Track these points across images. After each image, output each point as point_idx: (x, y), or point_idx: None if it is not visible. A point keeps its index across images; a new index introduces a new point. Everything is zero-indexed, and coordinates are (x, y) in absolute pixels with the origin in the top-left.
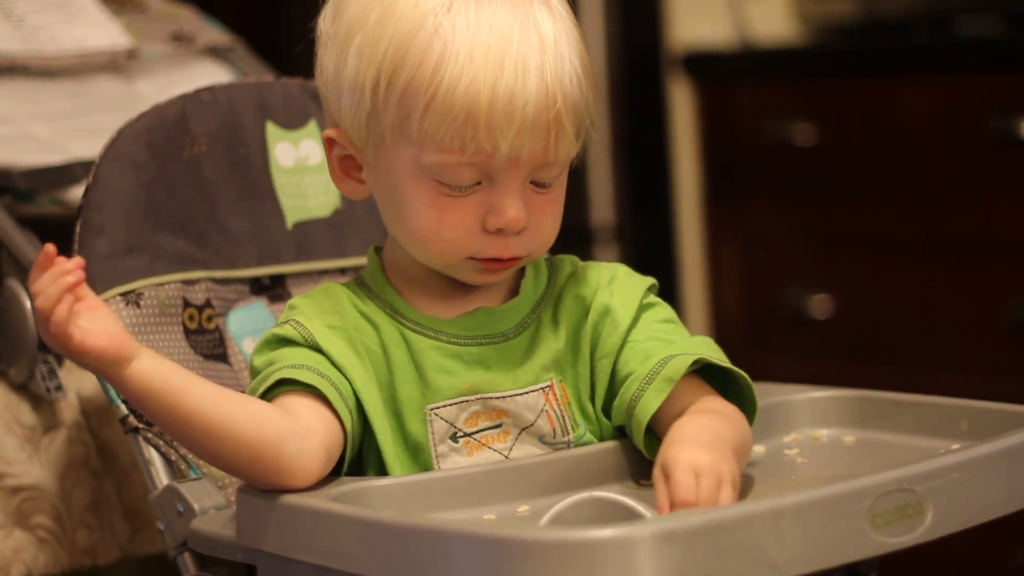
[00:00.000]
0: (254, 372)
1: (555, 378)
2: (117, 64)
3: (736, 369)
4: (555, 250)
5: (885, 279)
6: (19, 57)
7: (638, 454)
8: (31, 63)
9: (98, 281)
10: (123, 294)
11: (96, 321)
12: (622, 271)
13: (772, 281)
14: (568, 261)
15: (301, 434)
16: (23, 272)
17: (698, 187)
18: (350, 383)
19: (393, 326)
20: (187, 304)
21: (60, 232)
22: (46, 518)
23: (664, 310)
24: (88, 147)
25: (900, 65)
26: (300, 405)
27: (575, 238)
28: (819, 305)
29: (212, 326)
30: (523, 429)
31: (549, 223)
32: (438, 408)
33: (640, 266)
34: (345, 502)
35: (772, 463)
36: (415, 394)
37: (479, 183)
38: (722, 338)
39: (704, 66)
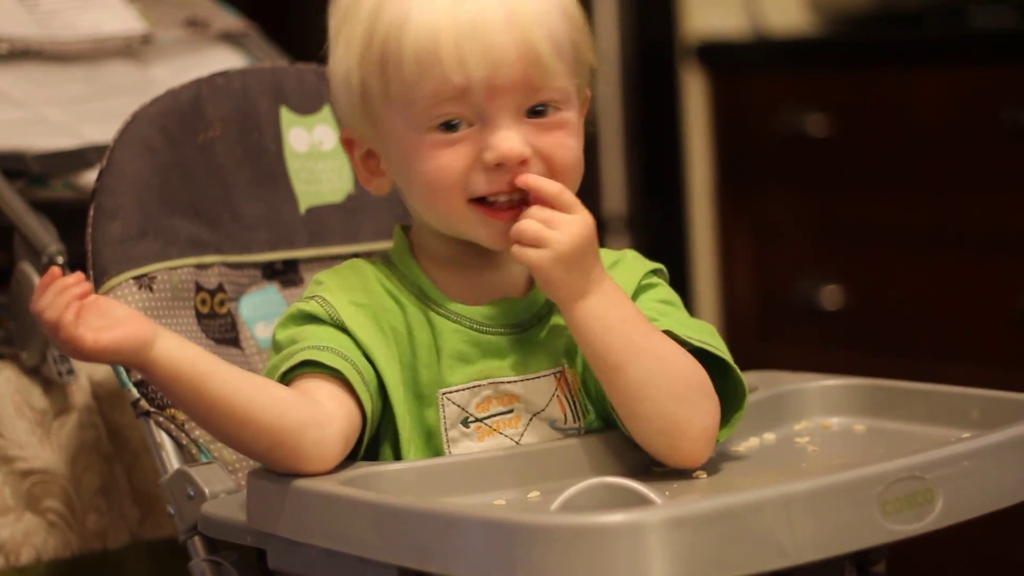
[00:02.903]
0: (276, 346)
1: (566, 364)
2: (131, 49)
3: (721, 354)
4: None
5: (896, 270)
6: (34, 42)
7: None
8: (46, 48)
9: (111, 265)
10: (136, 278)
11: (105, 316)
12: (630, 255)
13: (783, 272)
14: None
15: (321, 422)
16: (36, 256)
17: (710, 177)
18: (373, 365)
19: (419, 307)
20: (200, 288)
21: (73, 216)
22: (56, 502)
23: (664, 291)
24: (102, 131)
25: (913, 56)
26: (321, 390)
27: None
28: (830, 296)
29: (224, 310)
30: (534, 415)
31: (561, 153)
32: (450, 393)
33: (652, 256)
34: (356, 486)
35: (783, 450)
36: (435, 377)
37: (472, 125)
38: (733, 328)
39: (717, 56)
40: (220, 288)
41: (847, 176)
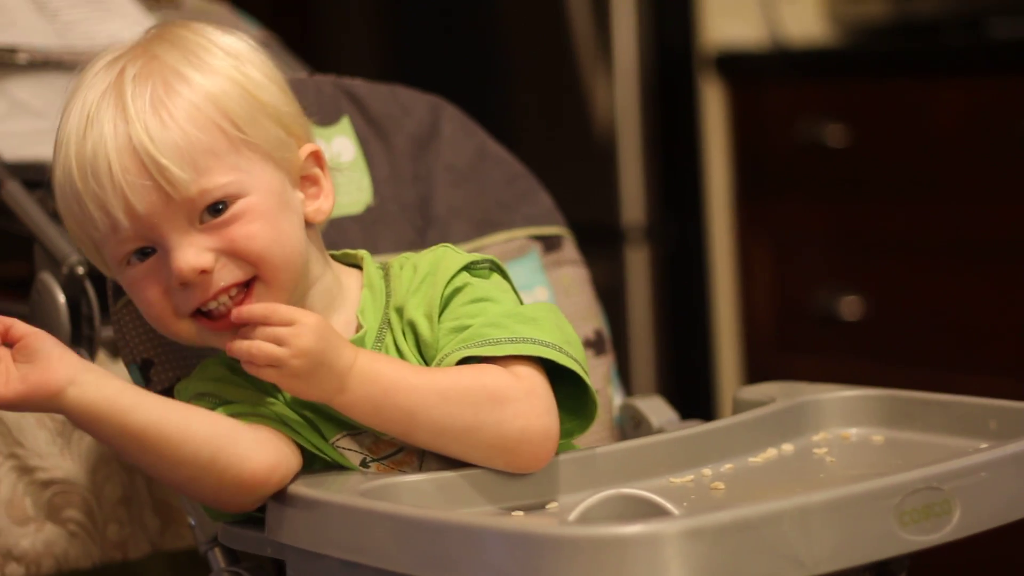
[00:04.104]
0: None
1: None
2: None
3: (538, 351)
4: (585, 250)
5: (916, 281)
6: (53, 52)
7: (671, 450)
8: (65, 58)
9: None
10: None
11: (28, 358)
12: (440, 258)
13: (802, 282)
14: (396, 264)
15: (253, 427)
16: (56, 266)
17: (729, 188)
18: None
19: (266, 384)
20: None
21: None
22: (77, 512)
23: (474, 289)
24: None
25: (932, 66)
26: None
27: (606, 238)
28: (849, 307)
29: None
30: (422, 452)
31: (246, 244)
32: (338, 441)
33: (670, 266)
34: (374, 498)
35: (801, 462)
36: (311, 435)
37: (153, 250)
38: (752, 339)
39: (736, 66)
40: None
41: (865, 186)
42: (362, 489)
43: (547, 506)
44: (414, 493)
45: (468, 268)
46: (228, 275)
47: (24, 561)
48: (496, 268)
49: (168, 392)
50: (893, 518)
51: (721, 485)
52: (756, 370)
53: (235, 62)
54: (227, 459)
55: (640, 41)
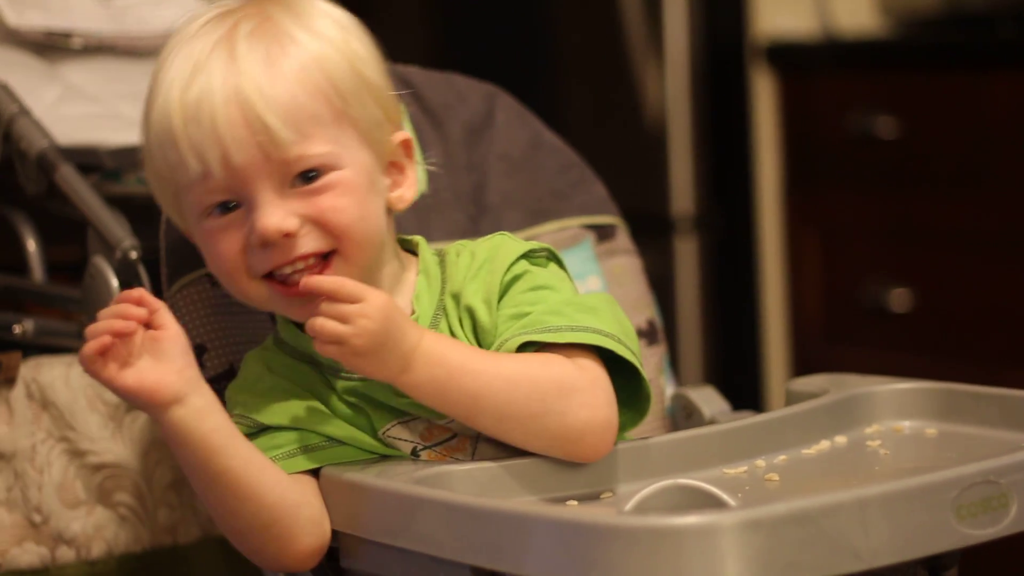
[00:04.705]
0: None
1: None
2: None
3: (596, 340)
4: (634, 240)
5: (965, 273)
6: (107, 37)
7: (724, 441)
8: (119, 43)
9: (185, 262)
10: (209, 275)
11: (154, 355)
12: (497, 247)
13: (851, 274)
14: (452, 251)
15: (312, 502)
16: (109, 250)
17: (779, 178)
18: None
19: (314, 373)
20: None
21: (146, 211)
22: (128, 496)
23: (533, 277)
24: None
25: (984, 59)
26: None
27: (655, 228)
28: (899, 299)
29: None
30: (476, 437)
31: (333, 216)
32: (389, 430)
33: (719, 256)
34: (428, 485)
35: (855, 454)
36: (362, 423)
37: (242, 205)
38: (800, 330)
39: (787, 57)
40: None
41: (916, 178)
42: (416, 477)
43: (601, 496)
44: (467, 481)
45: (527, 256)
46: (310, 243)
47: (75, 544)
48: (553, 257)
49: (219, 377)
50: (951, 511)
51: (775, 476)
52: (804, 361)
53: (344, 35)
54: (280, 531)
55: (691, 31)
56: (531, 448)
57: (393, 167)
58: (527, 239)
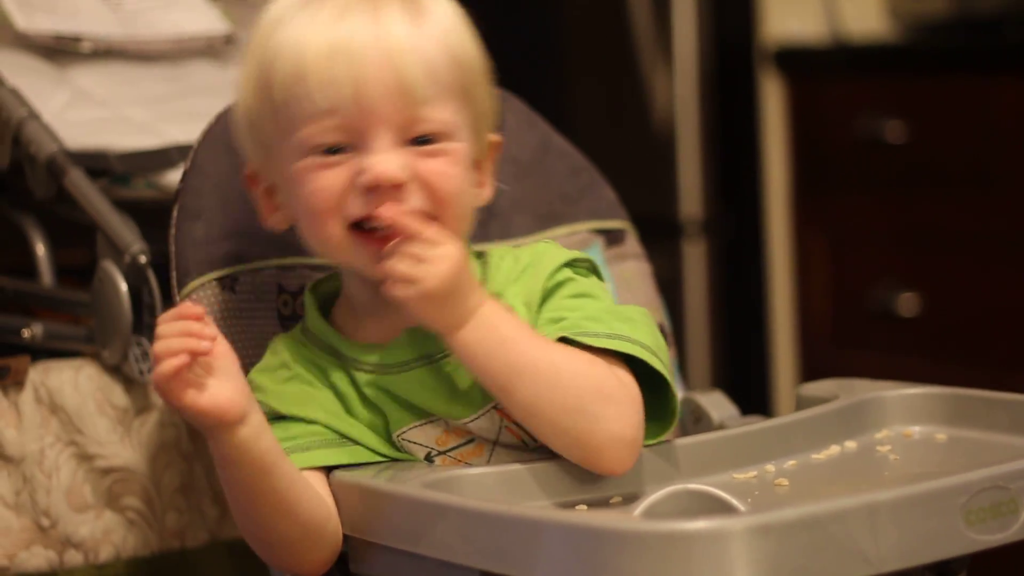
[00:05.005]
0: None
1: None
2: (214, 49)
3: (629, 349)
4: (642, 243)
5: (974, 278)
6: (116, 41)
7: (733, 446)
8: (128, 47)
9: (194, 266)
10: (219, 279)
11: (213, 373)
12: (542, 252)
13: (859, 278)
14: (496, 254)
15: (334, 515)
16: (118, 255)
17: (787, 182)
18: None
19: (337, 366)
20: (282, 290)
21: (155, 216)
22: (136, 500)
23: (576, 285)
24: (184, 131)
25: (993, 63)
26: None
27: (664, 231)
28: (907, 303)
29: None
30: (494, 443)
31: (440, 181)
32: (404, 433)
33: (728, 260)
34: (438, 490)
35: (864, 459)
36: (378, 424)
37: (351, 148)
38: (808, 334)
39: (795, 61)
40: (303, 290)
41: (924, 182)
42: (426, 481)
43: (611, 501)
44: (477, 486)
45: (570, 264)
46: (413, 200)
47: (83, 548)
48: (593, 269)
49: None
50: (960, 517)
51: (785, 482)
52: (812, 365)
53: (465, 23)
54: (308, 544)
55: (700, 35)
56: (549, 442)
57: (477, 165)
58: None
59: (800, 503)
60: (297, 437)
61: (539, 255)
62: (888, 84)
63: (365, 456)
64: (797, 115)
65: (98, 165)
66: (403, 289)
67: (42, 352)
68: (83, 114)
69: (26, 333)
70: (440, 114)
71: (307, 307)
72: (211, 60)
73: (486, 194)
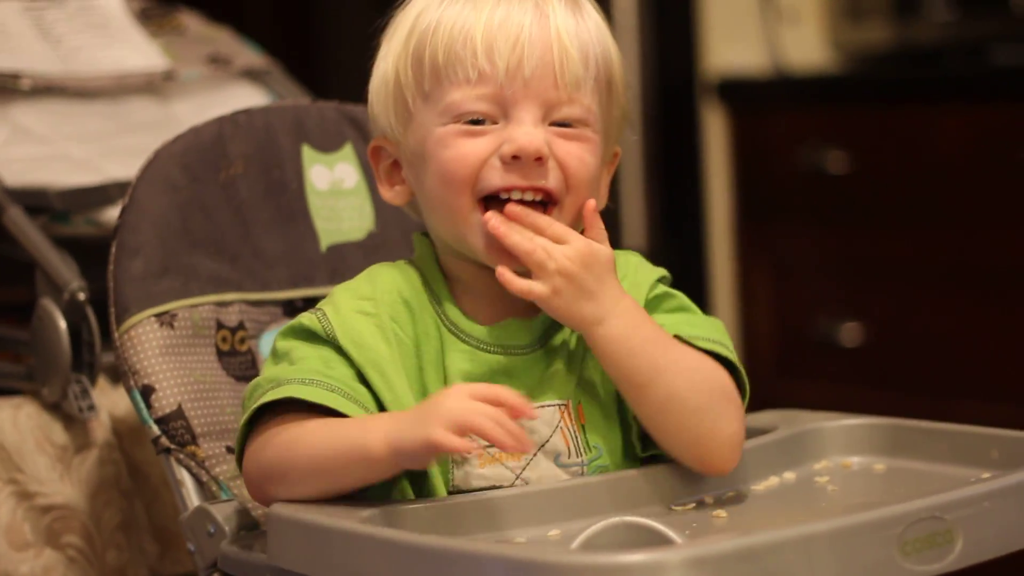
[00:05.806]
0: (274, 352)
1: (572, 399)
2: (154, 85)
3: (729, 355)
4: None
5: (916, 308)
6: (57, 78)
7: (669, 479)
8: (68, 84)
9: (133, 302)
10: (157, 315)
11: None
12: (633, 263)
13: (803, 308)
14: None
15: None
16: (58, 292)
17: (730, 213)
18: (370, 384)
19: (432, 318)
20: (220, 326)
21: (95, 252)
22: (76, 537)
23: (675, 300)
24: (124, 168)
25: (934, 94)
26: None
27: None
28: (849, 333)
29: (244, 348)
30: (540, 447)
31: (576, 164)
32: None
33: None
34: (375, 524)
35: (802, 490)
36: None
37: (496, 122)
38: (752, 364)
39: (738, 93)
40: (241, 326)
41: (867, 213)
42: (363, 515)
43: (549, 534)
44: (415, 520)
45: (661, 280)
46: (550, 178)
47: None
48: (672, 284)
49: (167, 418)
50: (895, 548)
51: (723, 513)
52: (755, 394)
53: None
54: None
55: (642, 67)
56: (668, 440)
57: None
58: None
59: (737, 535)
60: (333, 379)
61: (633, 267)
62: (830, 115)
63: None
64: (740, 146)
65: (37, 202)
66: (522, 285)
67: None
68: (22, 151)
69: None
70: (585, 100)
71: (421, 251)
72: (151, 96)
73: (600, 204)
